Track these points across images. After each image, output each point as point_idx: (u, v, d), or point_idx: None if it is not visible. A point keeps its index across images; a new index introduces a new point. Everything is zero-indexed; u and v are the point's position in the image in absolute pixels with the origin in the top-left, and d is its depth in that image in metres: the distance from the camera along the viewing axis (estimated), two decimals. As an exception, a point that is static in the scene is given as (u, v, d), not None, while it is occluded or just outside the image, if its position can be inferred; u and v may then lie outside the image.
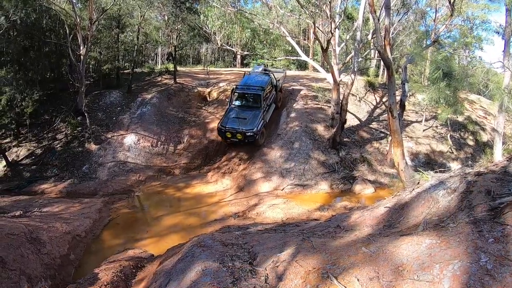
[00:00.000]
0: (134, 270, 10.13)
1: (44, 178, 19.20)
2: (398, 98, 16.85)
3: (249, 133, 19.05)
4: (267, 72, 23.05)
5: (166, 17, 30.70)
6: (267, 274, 6.24)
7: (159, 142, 21.54)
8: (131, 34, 30.43)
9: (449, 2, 16.83)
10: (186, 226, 14.19)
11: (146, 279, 8.98)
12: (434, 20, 22.46)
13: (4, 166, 20.21)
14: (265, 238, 8.65)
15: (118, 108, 23.85)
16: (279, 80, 22.94)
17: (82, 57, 22.03)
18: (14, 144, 21.76)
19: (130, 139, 21.07)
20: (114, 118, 22.86)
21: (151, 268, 10.01)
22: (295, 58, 26.42)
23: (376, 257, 5.15)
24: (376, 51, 27.51)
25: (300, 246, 6.62)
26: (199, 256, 7.52)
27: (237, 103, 21.24)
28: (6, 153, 20.59)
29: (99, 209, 15.34)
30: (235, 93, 21.41)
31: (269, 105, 21.38)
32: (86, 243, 12.87)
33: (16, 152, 21.26)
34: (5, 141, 22.12)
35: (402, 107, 18.02)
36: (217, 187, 18.14)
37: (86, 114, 21.37)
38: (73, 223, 13.19)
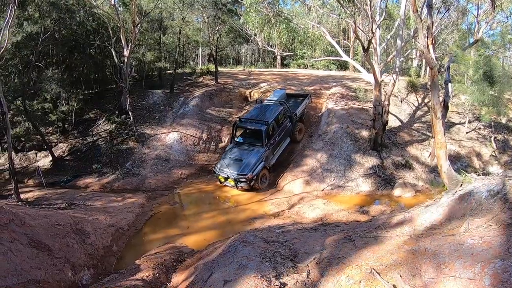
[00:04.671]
0: (174, 263, 10.34)
1: (89, 173, 19.86)
2: (441, 98, 16.51)
3: (242, 179, 16.87)
4: (281, 101, 20.16)
5: (206, 18, 31.12)
6: (309, 270, 6.33)
7: (200, 141, 21.89)
8: (172, 36, 31.00)
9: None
10: (226, 223, 14.35)
11: (187, 272, 9.17)
12: (476, 18, 21.78)
13: (50, 161, 21.06)
14: (305, 236, 8.73)
15: (161, 107, 24.41)
16: (298, 108, 20.61)
17: (125, 58, 22.60)
18: (60, 140, 22.60)
19: (172, 137, 21.51)
20: (157, 117, 23.41)
21: (191, 262, 10.20)
22: (335, 58, 26.18)
23: (418, 255, 5.19)
24: (418, 51, 27.09)
25: (342, 244, 6.69)
26: (241, 251, 7.67)
27: (239, 139, 19.19)
28: (53, 149, 21.42)
29: (141, 204, 15.73)
30: (237, 128, 19.46)
31: (280, 141, 19.20)
32: (129, 236, 13.20)
33: (62, 148, 22.10)
34: (52, 137, 22.99)
35: (446, 107, 17.63)
36: (258, 186, 18.16)
37: (130, 113, 21.93)
38: (116, 216, 13.61)
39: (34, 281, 8.69)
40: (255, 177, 16.96)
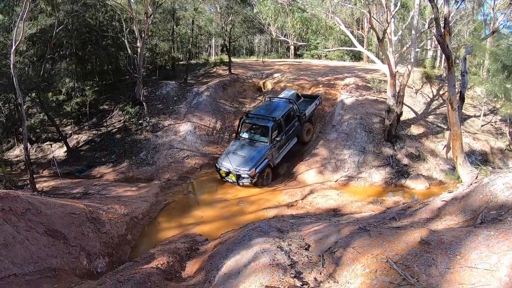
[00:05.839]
0: (188, 252, 10.45)
1: (103, 163, 20.11)
2: (457, 90, 16.30)
3: (244, 175, 16.34)
4: (291, 99, 19.44)
5: (218, 9, 31.10)
6: (324, 259, 6.36)
7: (214, 131, 22.00)
8: (184, 26, 31.03)
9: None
10: (239, 213, 14.45)
11: (201, 261, 9.28)
12: (493, 9, 21.40)
13: (65, 152, 21.35)
14: (319, 226, 8.76)
15: (175, 98, 24.51)
16: (307, 108, 19.92)
17: (139, 49, 22.71)
18: (75, 130, 22.86)
19: (186, 127, 21.64)
20: (171, 108, 23.51)
21: (205, 250, 10.32)
22: (349, 48, 25.95)
23: (434, 246, 5.21)
24: (433, 42, 26.75)
25: (356, 234, 6.71)
26: (256, 240, 7.74)
27: (244, 135, 18.49)
28: (67, 140, 21.65)
29: (155, 194, 15.93)
30: (244, 123, 18.77)
31: (287, 140, 18.56)
32: (143, 225, 13.43)
33: (77, 138, 22.39)
34: (67, 128, 23.27)
35: (462, 99, 17.38)
36: (271, 176, 18.16)
37: (144, 103, 22.08)
38: (131, 205, 13.82)
39: (50, 269, 8.89)
40: (258, 173, 16.47)
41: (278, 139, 17.59)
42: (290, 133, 18.71)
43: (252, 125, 18.69)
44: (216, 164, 17.54)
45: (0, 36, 19.29)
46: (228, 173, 16.78)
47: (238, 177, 16.43)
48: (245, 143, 17.95)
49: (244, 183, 16.58)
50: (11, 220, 8.94)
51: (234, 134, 20.64)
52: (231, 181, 16.93)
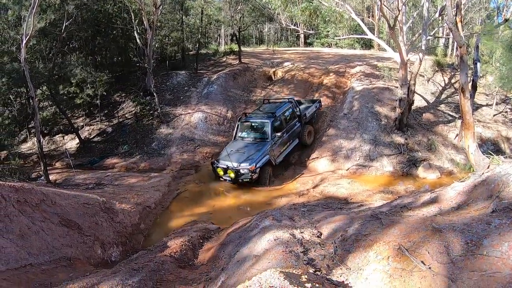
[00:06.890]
0: (201, 241, 10.52)
1: (115, 154, 20.36)
2: (469, 78, 16.14)
3: (243, 170, 15.37)
4: (290, 98, 19.32)
5: (228, -2, 31.05)
6: (336, 246, 6.42)
7: (225, 120, 22.10)
8: (194, 16, 31.03)
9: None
10: (251, 201, 14.60)
11: (213, 249, 9.36)
12: (505, -5, 21.11)
13: (77, 143, 21.64)
14: (331, 214, 8.81)
15: (185, 88, 24.62)
16: (308, 110, 19.54)
17: (148, 40, 22.76)
18: (86, 122, 23.10)
19: (197, 117, 21.76)
20: (181, 97, 23.65)
21: (218, 238, 10.39)
22: (360, 36, 25.71)
23: (445, 233, 5.23)
24: (444, 29, 26.49)
25: (368, 222, 6.75)
26: (269, 228, 7.80)
27: (243, 134, 17.77)
28: (79, 131, 21.89)
29: (168, 183, 16.12)
30: (242, 124, 18.14)
31: (288, 139, 17.95)
32: (156, 214, 13.63)
33: (88, 130, 22.65)
34: (78, 120, 23.50)
35: (474, 87, 17.29)
36: (282, 165, 18.20)
37: (154, 94, 22.17)
38: (143, 195, 14.00)
39: (66, 258, 9.06)
40: (258, 169, 15.50)
41: (279, 134, 16.98)
42: (291, 132, 18.15)
43: (251, 124, 17.90)
44: (213, 163, 16.71)
45: (10, 31, 19.46)
46: (225, 171, 15.95)
47: (237, 173, 15.56)
48: (244, 141, 17.34)
49: (244, 180, 15.68)
50: (27, 211, 9.12)
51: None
52: (229, 179, 16.05)
